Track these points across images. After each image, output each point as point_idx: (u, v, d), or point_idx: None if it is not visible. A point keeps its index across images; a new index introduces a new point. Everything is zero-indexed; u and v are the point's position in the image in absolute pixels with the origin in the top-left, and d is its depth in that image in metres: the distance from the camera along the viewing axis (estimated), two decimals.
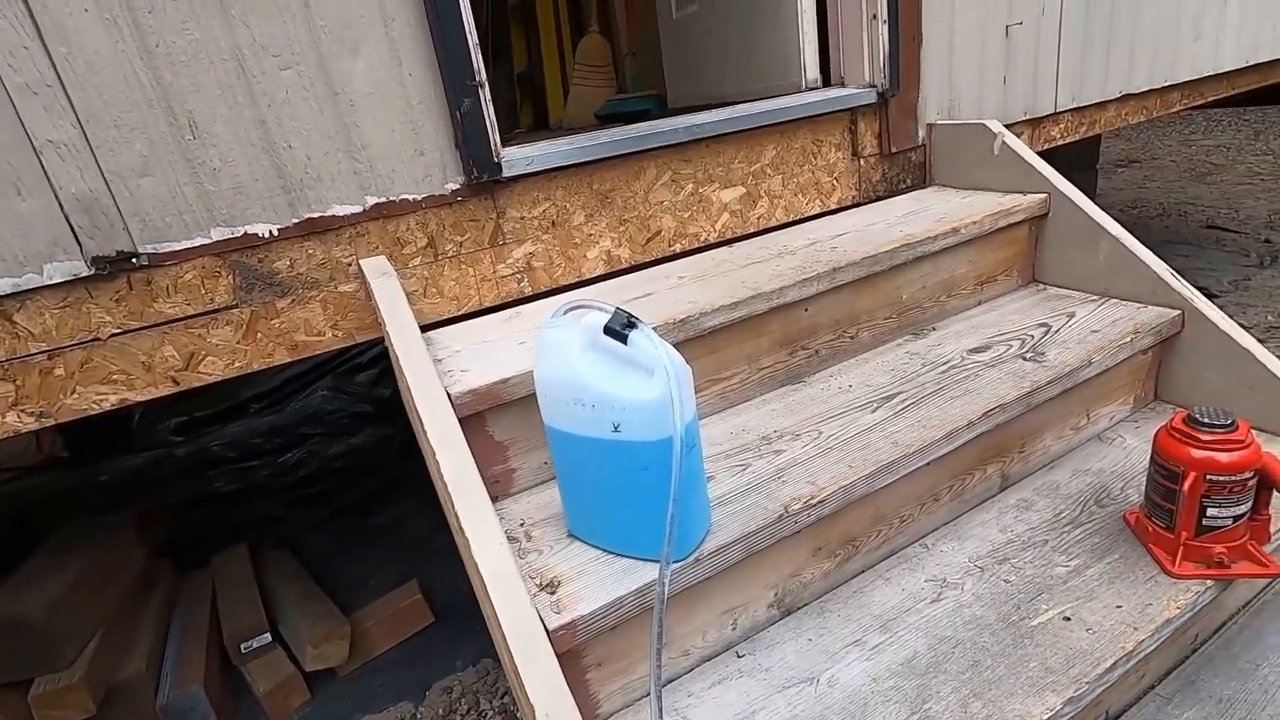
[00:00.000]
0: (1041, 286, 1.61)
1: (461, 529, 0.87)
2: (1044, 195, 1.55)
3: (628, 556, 0.93)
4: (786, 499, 1.00)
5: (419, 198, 1.25)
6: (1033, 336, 1.37)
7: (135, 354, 1.11)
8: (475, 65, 1.22)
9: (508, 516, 1.05)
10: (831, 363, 1.39)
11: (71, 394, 1.08)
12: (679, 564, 0.90)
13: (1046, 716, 0.85)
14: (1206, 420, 0.99)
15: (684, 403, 0.83)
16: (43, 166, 0.98)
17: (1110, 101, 2.14)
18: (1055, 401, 1.26)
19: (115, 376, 1.10)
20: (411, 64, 1.19)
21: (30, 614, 1.58)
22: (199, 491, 3.05)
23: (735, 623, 1.03)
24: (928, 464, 1.12)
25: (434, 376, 1.00)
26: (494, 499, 1.01)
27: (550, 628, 0.83)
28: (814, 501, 1.00)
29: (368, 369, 4.34)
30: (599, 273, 1.45)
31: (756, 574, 1.02)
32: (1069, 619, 0.99)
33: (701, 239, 1.55)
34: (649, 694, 0.96)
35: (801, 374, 1.36)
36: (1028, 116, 1.96)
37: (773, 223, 1.64)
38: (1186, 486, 0.98)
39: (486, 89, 1.24)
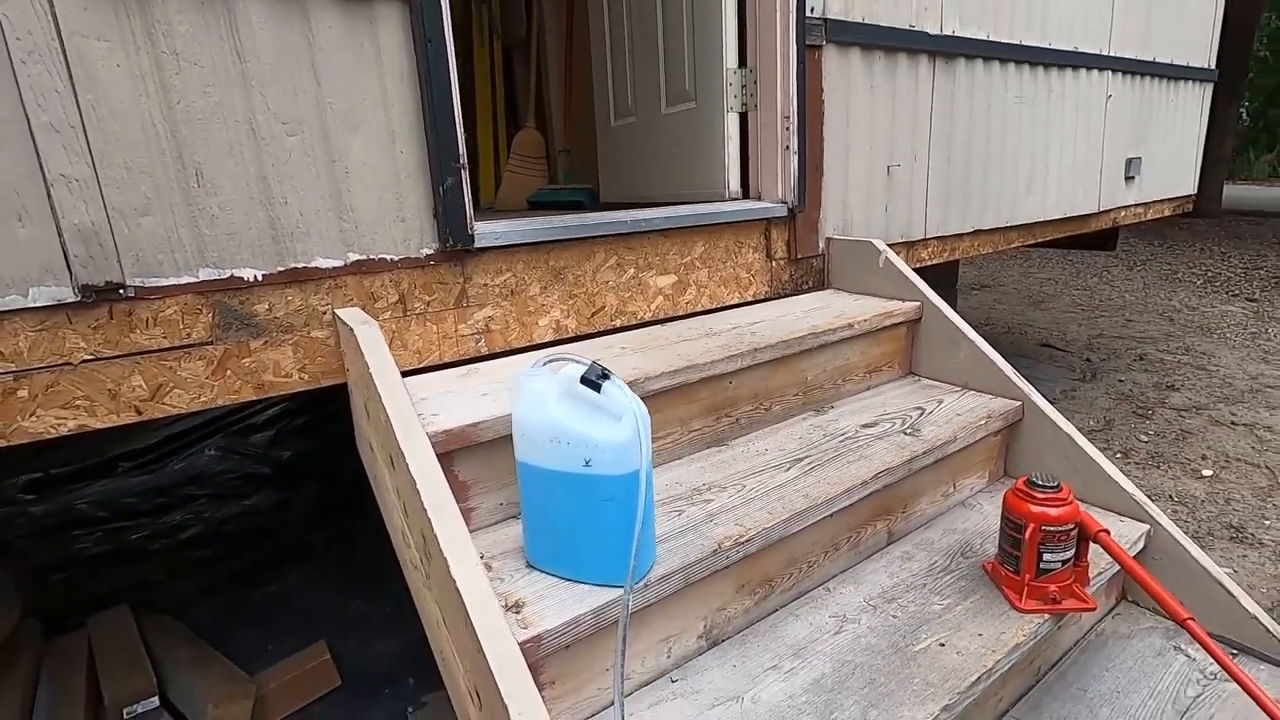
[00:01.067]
0: (917, 378, 1.92)
1: (441, 551, 0.96)
2: (918, 303, 1.88)
3: (584, 583, 1.05)
4: (719, 537, 1.16)
5: (396, 258, 1.37)
6: (911, 416, 1.65)
7: (103, 381, 1.13)
8: (459, 149, 1.39)
9: None
10: (750, 430, 1.59)
11: (31, 416, 1.09)
12: (624, 592, 1.03)
13: None
14: (1040, 482, 1.27)
15: (646, 443, 0.99)
16: (50, 198, 1.04)
17: (966, 234, 2.61)
18: (929, 470, 1.52)
19: (78, 402, 1.12)
20: (404, 143, 1.35)
21: None
22: (63, 554, 2.77)
23: (670, 651, 1.15)
24: (831, 515, 1.32)
25: (414, 416, 1.10)
26: None
27: (518, 640, 0.93)
28: (742, 540, 1.17)
29: (262, 430, 4.14)
30: (548, 339, 1.61)
31: (690, 606, 1.16)
32: (943, 645, 1.19)
33: (638, 317, 1.76)
34: (597, 713, 1.06)
35: (724, 438, 1.56)
36: (904, 239, 2.36)
37: (698, 308, 1.88)
38: (1028, 535, 1.24)
39: (467, 171, 1.41)
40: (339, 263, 1.31)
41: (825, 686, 1.10)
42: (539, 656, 0.97)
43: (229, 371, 1.24)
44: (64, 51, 1.02)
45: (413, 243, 1.39)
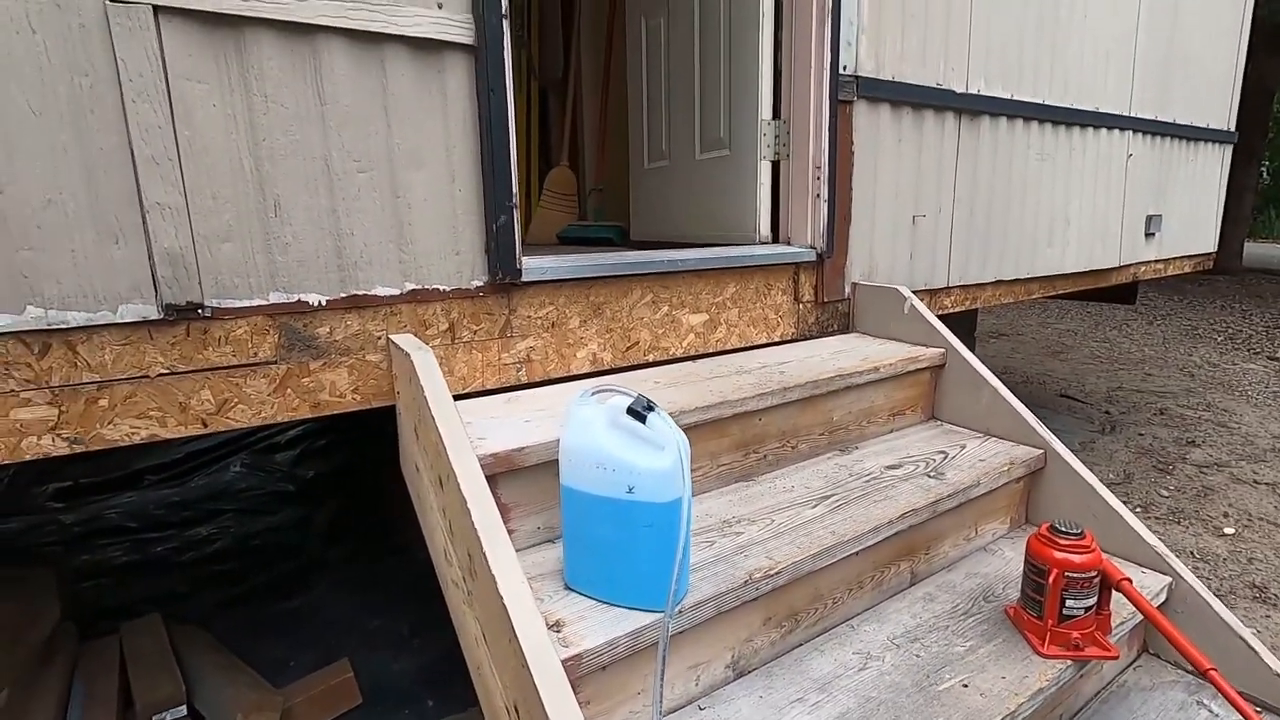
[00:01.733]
0: (939, 422, 1.96)
1: (489, 570, 1.00)
2: (942, 350, 1.93)
3: (621, 606, 1.09)
4: (749, 569, 1.20)
5: (448, 289, 1.45)
6: (935, 460, 1.68)
7: (175, 394, 1.21)
8: (513, 190, 1.48)
9: None
10: (777, 467, 1.64)
11: (109, 424, 1.16)
12: (665, 614, 1.07)
13: None
14: (1064, 529, 1.30)
15: (687, 473, 1.04)
16: (145, 222, 1.13)
17: (987, 284, 2.67)
18: (952, 513, 1.55)
19: (152, 413, 1.19)
20: (462, 182, 1.44)
21: None
22: (92, 562, 2.84)
23: (699, 679, 1.18)
24: (857, 553, 1.36)
25: (466, 439, 1.16)
26: None
27: (560, 658, 0.97)
28: (772, 572, 1.21)
29: (285, 450, 4.22)
30: (585, 371, 1.67)
31: (720, 635, 1.20)
32: (967, 686, 1.21)
33: (671, 353, 1.82)
34: None
35: (752, 474, 1.60)
36: (927, 287, 2.42)
37: (728, 346, 1.94)
38: (1051, 580, 1.27)
39: (519, 210, 1.50)
40: (396, 291, 1.39)
41: None
42: (577, 675, 1.00)
43: (289, 390, 1.31)
44: (169, 92, 1.12)
45: (465, 275, 1.47)
